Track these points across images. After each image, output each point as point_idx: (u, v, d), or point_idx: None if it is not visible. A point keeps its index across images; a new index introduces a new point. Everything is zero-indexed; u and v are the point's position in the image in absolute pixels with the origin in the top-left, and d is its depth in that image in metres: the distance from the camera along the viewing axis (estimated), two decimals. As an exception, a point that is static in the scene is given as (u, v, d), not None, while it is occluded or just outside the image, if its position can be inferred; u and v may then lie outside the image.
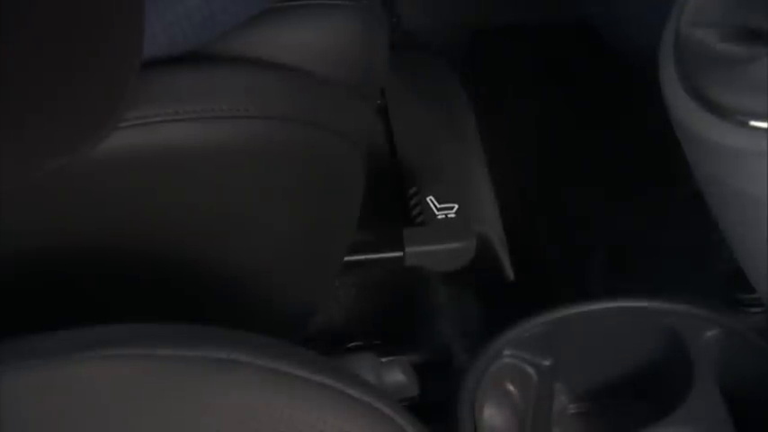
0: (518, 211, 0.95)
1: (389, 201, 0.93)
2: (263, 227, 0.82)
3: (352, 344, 1.04)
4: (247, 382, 0.64)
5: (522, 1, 0.79)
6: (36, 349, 0.65)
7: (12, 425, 0.62)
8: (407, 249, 0.91)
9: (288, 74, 0.78)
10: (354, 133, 0.82)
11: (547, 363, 0.88)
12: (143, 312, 0.68)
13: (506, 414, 0.88)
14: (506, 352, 0.88)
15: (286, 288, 0.87)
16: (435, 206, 0.92)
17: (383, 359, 0.89)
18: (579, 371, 0.92)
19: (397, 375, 0.89)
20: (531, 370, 0.88)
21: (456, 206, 0.92)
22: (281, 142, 0.78)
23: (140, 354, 0.64)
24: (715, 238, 0.73)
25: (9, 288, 0.77)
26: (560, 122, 1.00)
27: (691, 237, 1.12)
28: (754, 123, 0.62)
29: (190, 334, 0.67)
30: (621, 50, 1.07)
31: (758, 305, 0.98)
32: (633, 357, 0.92)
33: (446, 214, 0.92)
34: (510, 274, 0.98)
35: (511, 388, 0.89)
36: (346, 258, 0.92)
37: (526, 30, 0.80)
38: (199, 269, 0.81)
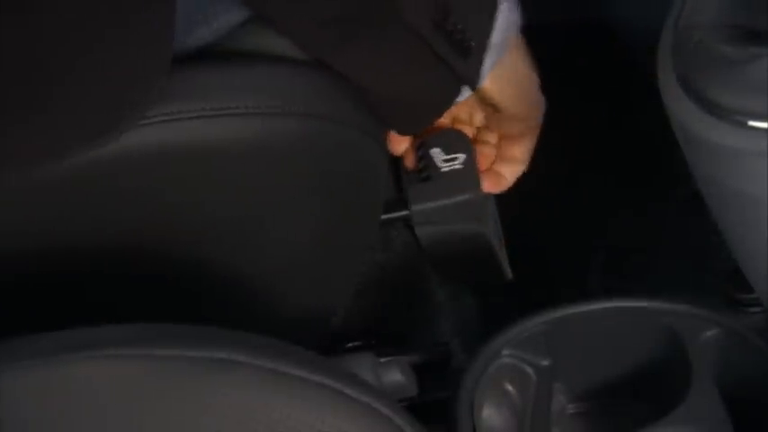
0: (518, 211, 0.95)
1: (392, 158, 0.90)
2: (285, 224, 0.82)
3: (351, 344, 1.04)
4: (247, 382, 0.64)
5: (524, 1, 0.79)
6: (36, 349, 0.65)
7: (12, 425, 0.62)
8: (413, 207, 0.87)
9: (310, 70, 0.78)
10: (375, 129, 0.82)
11: (546, 363, 0.88)
12: (146, 313, 0.68)
13: (505, 414, 0.88)
14: (505, 352, 0.88)
15: (306, 289, 0.87)
16: (440, 158, 0.87)
17: (382, 359, 0.89)
18: (578, 371, 0.92)
19: (395, 375, 0.89)
20: (529, 370, 0.88)
21: (463, 156, 0.87)
22: (304, 139, 0.78)
23: (140, 354, 0.64)
24: (715, 238, 0.73)
25: (9, 288, 0.77)
26: (561, 122, 1.00)
27: (690, 237, 1.12)
28: (753, 123, 0.62)
29: (189, 334, 0.67)
30: (625, 51, 1.07)
31: (757, 305, 0.98)
32: (632, 357, 0.92)
33: (451, 166, 0.87)
34: (509, 273, 0.98)
35: (510, 388, 0.89)
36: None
37: (528, 29, 0.80)
38: (217, 268, 0.81)
